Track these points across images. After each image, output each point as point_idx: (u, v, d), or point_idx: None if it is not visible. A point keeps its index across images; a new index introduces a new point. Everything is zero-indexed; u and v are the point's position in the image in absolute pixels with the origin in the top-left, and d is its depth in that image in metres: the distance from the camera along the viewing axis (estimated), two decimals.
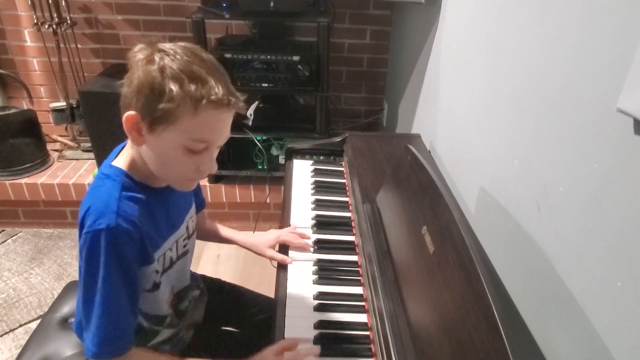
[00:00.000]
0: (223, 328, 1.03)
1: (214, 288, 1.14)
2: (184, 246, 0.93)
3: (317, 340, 0.82)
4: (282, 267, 1.02)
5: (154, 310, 0.88)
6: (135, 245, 0.75)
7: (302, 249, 1.05)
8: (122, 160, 0.80)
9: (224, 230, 1.13)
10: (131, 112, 0.72)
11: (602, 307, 0.65)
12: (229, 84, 0.75)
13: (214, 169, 0.78)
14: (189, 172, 0.77)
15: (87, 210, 0.74)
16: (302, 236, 1.08)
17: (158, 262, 0.84)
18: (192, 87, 0.70)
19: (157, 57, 0.71)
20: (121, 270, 0.74)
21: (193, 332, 1.02)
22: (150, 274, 0.82)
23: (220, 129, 0.76)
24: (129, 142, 0.80)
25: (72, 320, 1.07)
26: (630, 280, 0.58)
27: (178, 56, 0.71)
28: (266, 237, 1.09)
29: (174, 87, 0.69)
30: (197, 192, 1.04)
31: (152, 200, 0.81)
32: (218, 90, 0.71)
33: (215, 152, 0.79)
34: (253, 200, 2.24)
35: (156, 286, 0.85)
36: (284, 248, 1.07)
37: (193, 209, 0.97)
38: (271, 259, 1.06)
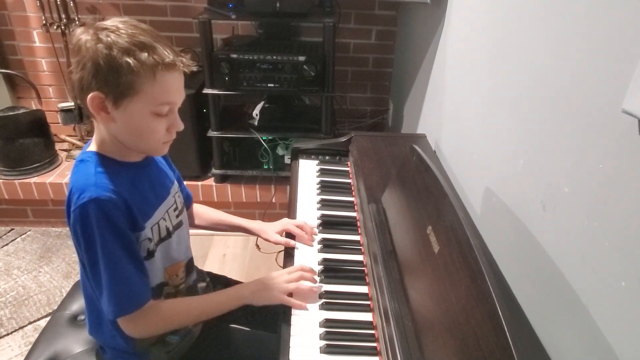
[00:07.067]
0: (231, 325, 1.05)
1: (220, 283, 1.16)
2: (177, 216, 0.96)
3: (323, 337, 0.83)
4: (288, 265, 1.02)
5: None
6: (121, 212, 0.79)
7: (304, 242, 1.07)
8: (93, 144, 0.85)
9: (232, 218, 1.16)
10: (94, 93, 0.75)
11: (606, 306, 0.65)
12: (173, 47, 0.79)
13: (181, 126, 0.85)
14: (162, 135, 0.83)
15: (70, 192, 0.78)
16: (312, 231, 1.09)
17: (152, 231, 0.87)
18: (145, 55, 0.74)
19: (102, 36, 0.74)
20: (115, 235, 0.78)
21: (202, 326, 1.03)
22: (143, 241, 0.85)
23: (178, 89, 0.81)
24: (96, 128, 0.83)
25: (82, 317, 1.09)
26: (634, 279, 0.59)
27: (122, 31, 0.75)
28: (273, 224, 1.12)
29: (129, 59, 0.73)
30: (182, 187, 1.07)
31: (132, 173, 0.85)
32: (168, 54, 0.76)
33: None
34: (259, 200, 2.25)
35: (150, 254, 0.88)
36: (291, 237, 1.09)
37: (176, 185, 1.00)
38: (276, 243, 1.09)
